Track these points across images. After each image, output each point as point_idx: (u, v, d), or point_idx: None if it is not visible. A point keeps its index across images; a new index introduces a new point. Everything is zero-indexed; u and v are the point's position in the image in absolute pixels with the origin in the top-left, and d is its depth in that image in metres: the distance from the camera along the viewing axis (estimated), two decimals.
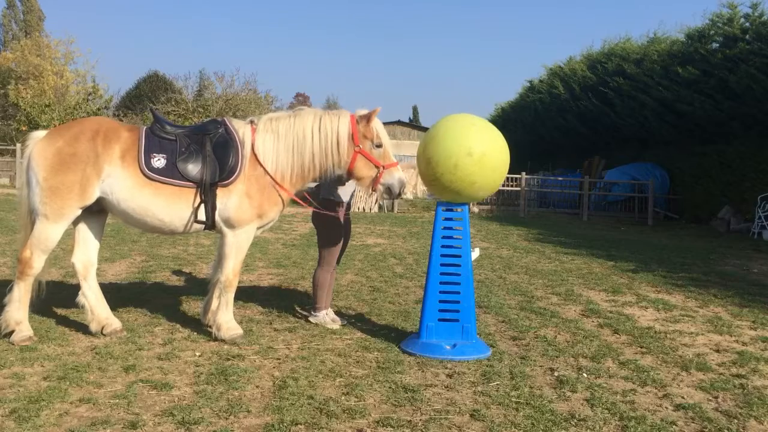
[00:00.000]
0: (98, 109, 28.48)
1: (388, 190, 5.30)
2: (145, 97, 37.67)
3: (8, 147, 27.35)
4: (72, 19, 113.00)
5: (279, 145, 5.16)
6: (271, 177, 5.12)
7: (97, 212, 5.25)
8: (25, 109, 28.32)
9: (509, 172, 23.97)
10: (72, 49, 34.82)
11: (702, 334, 5.98)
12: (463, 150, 4.95)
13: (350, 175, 5.34)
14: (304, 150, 5.16)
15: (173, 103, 32.42)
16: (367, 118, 5.22)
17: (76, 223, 5.22)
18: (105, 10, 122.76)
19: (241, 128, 5.21)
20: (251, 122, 5.28)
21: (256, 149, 5.13)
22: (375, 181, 5.26)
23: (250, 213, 5.12)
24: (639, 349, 5.40)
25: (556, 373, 4.65)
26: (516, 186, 24.36)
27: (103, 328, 5.17)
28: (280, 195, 5.24)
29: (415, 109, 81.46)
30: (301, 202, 5.59)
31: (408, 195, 31.80)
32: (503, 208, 24.73)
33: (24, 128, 27.32)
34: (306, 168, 5.23)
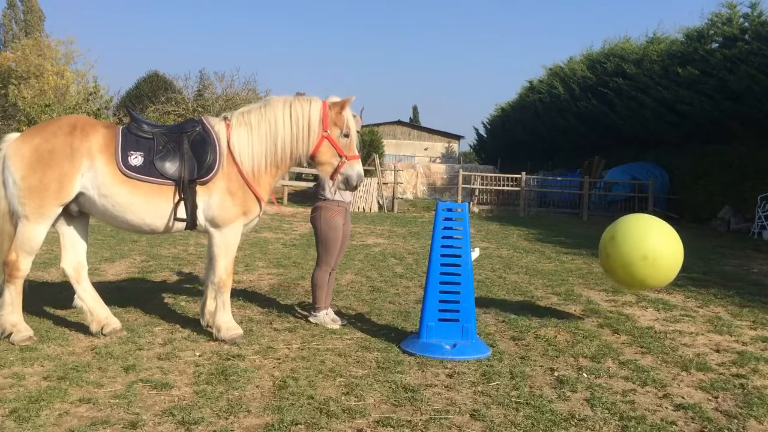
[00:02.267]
0: (98, 110, 28.38)
1: (346, 180, 5.30)
2: (146, 97, 37.64)
3: None
4: (72, 19, 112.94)
5: (253, 137, 5.16)
6: (243, 177, 5.11)
7: (78, 215, 5.21)
8: (24, 109, 28.32)
9: (509, 172, 23.85)
10: (72, 49, 34.83)
11: (702, 334, 5.98)
12: (640, 253, 5.72)
13: (312, 159, 5.34)
14: (277, 137, 5.16)
15: (173, 103, 32.40)
16: (340, 106, 5.24)
17: (60, 228, 5.20)
18: (105, 10, 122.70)
19: (216, 125, 5.21)
20: (225, 119, 5.28)
21: (231, 146, 5.12)
22: (335, 170, 5.27)
23: (235, 210, 5.11)
24: (639, 349, 5.40)
25: (556, 373, 4.65)
26: (516, 186, 24.37)
27: (102, 328, 5.17)
28: (258, 190, 5.23)
29: (415, 109, 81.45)
30: (271, 205, 5.58)
31: (408, 195, 31.82)
32: (503, 208, 24.74)
33: (24, 128, 27.31)
34: (279, 156, 5.23)
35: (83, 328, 5.28)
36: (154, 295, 6.74)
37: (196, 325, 5.56)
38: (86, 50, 44.50)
